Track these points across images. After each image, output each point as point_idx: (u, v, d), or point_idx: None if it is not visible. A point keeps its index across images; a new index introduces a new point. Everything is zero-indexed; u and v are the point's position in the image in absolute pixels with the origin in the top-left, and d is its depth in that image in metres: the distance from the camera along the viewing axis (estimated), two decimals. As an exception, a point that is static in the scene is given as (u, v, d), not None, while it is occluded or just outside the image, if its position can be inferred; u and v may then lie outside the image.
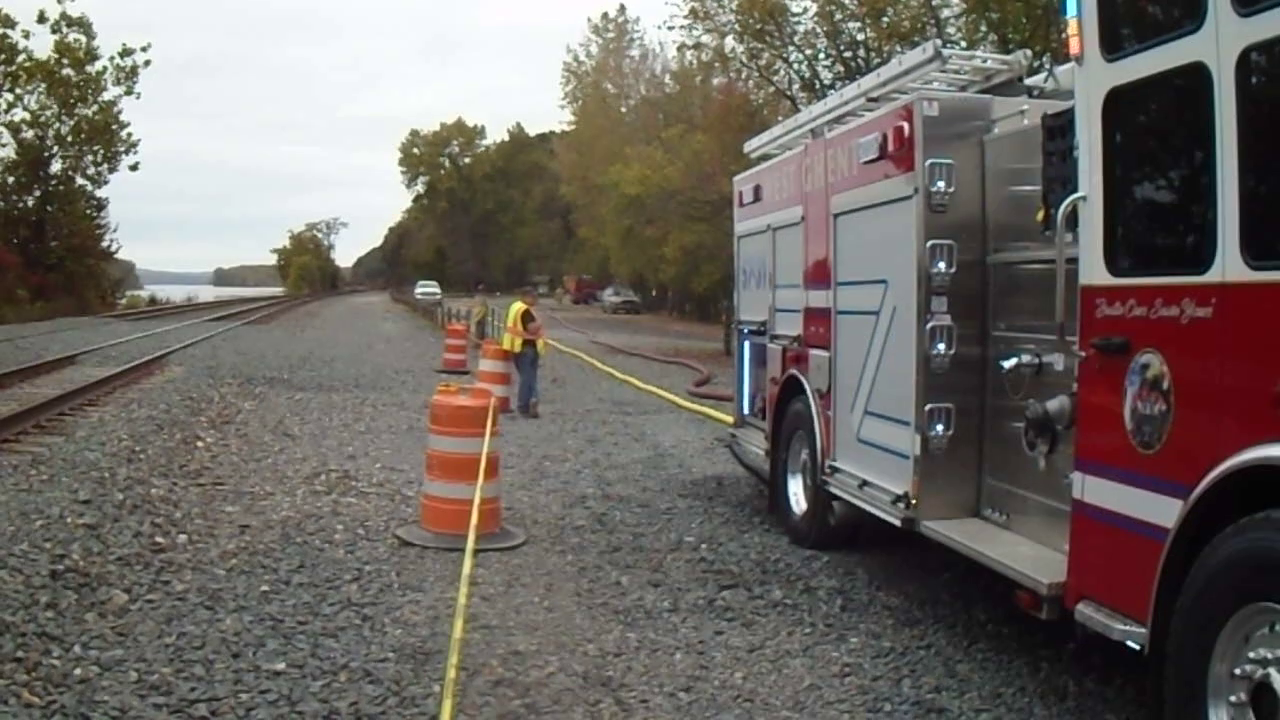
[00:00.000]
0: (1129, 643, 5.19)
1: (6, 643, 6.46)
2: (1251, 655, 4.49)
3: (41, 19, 57.70)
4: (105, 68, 60.67)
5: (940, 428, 7.59)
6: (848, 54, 31.22)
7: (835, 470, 9.30)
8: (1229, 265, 4.65)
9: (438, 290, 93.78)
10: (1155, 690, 5.02)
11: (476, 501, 8.70)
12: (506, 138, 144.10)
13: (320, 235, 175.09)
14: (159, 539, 9.25)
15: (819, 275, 9.71)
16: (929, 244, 7.56)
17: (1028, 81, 8.43)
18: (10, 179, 58.61)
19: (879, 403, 8.47)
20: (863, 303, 8.69)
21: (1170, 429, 5.05)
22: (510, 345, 20.13)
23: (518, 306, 20.37)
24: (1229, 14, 4.63)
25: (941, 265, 7.56)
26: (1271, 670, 4.38)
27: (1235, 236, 4.61)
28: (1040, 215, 6.56)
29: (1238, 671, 4.54)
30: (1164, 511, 4.97)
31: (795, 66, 33.28)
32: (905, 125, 7.85)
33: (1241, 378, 4.62)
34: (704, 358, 33.99)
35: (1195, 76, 4.83)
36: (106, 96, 61.12)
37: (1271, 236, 4.49)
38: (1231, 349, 4.70)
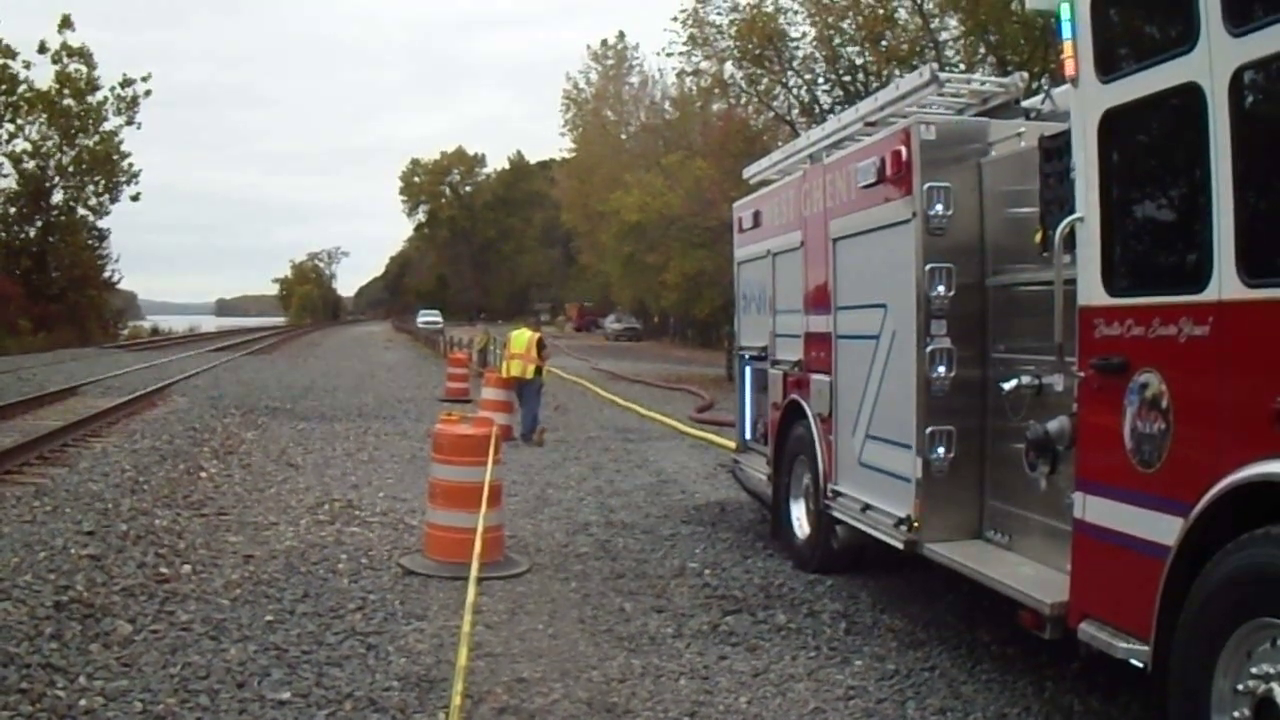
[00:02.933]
0: (1132, 661, 5.20)
1: (11, 674, 6.47)
2: (1254, 671, 4.49)
3: (42, 49, 58.03)
4: (106, 98, 60.95)
5: (941, 450, 7.60)
6: (846, 78, 31.27)
7: (837, 494, 9.30)
8: (1225, 284, 4.68)
9: (440, 319, 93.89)
10: (1160, 707, 5.03)
11: (480, 530, 8.69)
12: (507, 166, 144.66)
13: (322, 265, 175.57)
14: (163, 569, 9.25)
15: (819, 300, 9.74)
16: (928, 267, 7.59)
17: (1025, 104, 8.50)
18: (12, 210, 58.75)
19: (880, 426, 8.49)
20: (863, 327, 8.71)
21: (1170, 447, 5.07)
22: (522, 372, 20.07)
23: (527, 334, 20.38)
24: (1221, 34, 4.67)
25: (940, 288, 7.59)
26: (1274, 685, 4.38)
27: (1231, 255, 4.63)
28: (1038, 237, 6.60)
29: (1240, 687, 4.54)
30: (1165, 529, 4.98)
31: (794, 91, 33.35)
32: (903, 149, 7.89)
33: (1240, 395, 4.64)
34: (706, 384, 33.99)
35: (1189, 96, 4.87)
36: (107, 127, 61.41)
37: (1267, 254, 4.52)
38: (1229, 367, 4.72)
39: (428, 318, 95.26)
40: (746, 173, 13.31)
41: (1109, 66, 5.56)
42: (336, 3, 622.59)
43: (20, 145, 58.35)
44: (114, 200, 62.70)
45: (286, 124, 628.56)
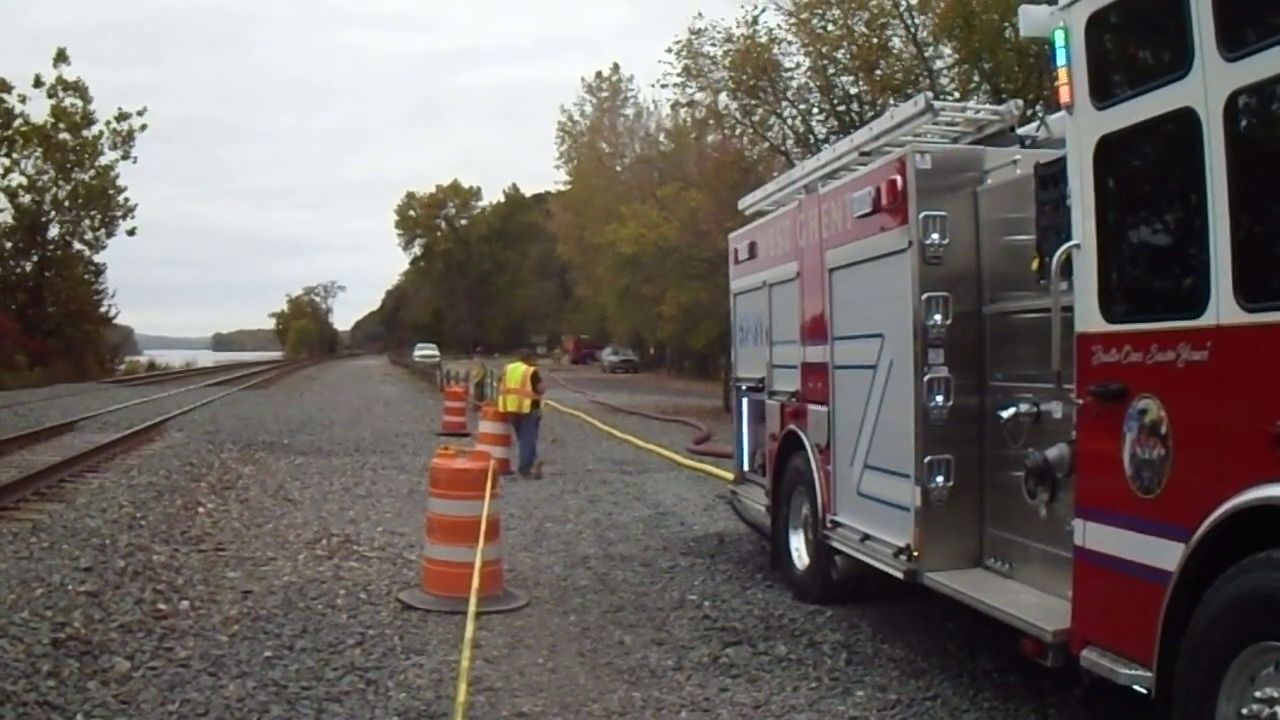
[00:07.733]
0: (1135, 687, 5.18)
1: (8, 712, 6.43)
2: (1258, 695, 4.48)
3: (38, 83, 58.25)
4: (102, 132, 61.09)
5: (940, 479, 7.58)
6: (841, 108, 31.28)
7: (836, 524, 9.28)
8: (1223, 308, 4.69)
9: (436, 352, 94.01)
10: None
11: (478, 564, 8.66)
12: (502, 199, 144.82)
13: (318, 299, 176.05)
14: (161, 606, 9.21)
15: (816, 330, 9.74)
16: (924, 296, 7.58)
17: (1020, 131, 8.51)
18: (8, 244, 58.82)
19: (878, 456, 8.47)
20: (860, 357, 8.71)
21: (1169, 473, 5.06)
22: (518, 407, 20.02)
23: (521, 368, 20.32)
24: (1216, 59, 4.70)
25: (937, 317, 7.58)
26: (1278, 709, 4.37)
27: (1229, 279, 4.64)
28: (1035, 264, 6.60)
29: (1244, 712, 4.53)
30: (1165, 555, 4.97)
31: (789, 122, 33.32)
32: (898, 178, 7.90)
33: (1239, 419, 4.64)
34: (703, 415, 33.93)
35: (1184, 122, 4.89)
36: (103, 161, 61.55)
37: (1265, 278, 4.53)
38: (1228, 391, 4.72)
39: (424, 351, 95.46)
40: (742, 204, 13.33)
41: (1104, 93, 5.58)
42: (324, 39, 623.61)
43: (16, 179, 58.65)
44: (110, 234, 62.90)
45: (280, 159, 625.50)
